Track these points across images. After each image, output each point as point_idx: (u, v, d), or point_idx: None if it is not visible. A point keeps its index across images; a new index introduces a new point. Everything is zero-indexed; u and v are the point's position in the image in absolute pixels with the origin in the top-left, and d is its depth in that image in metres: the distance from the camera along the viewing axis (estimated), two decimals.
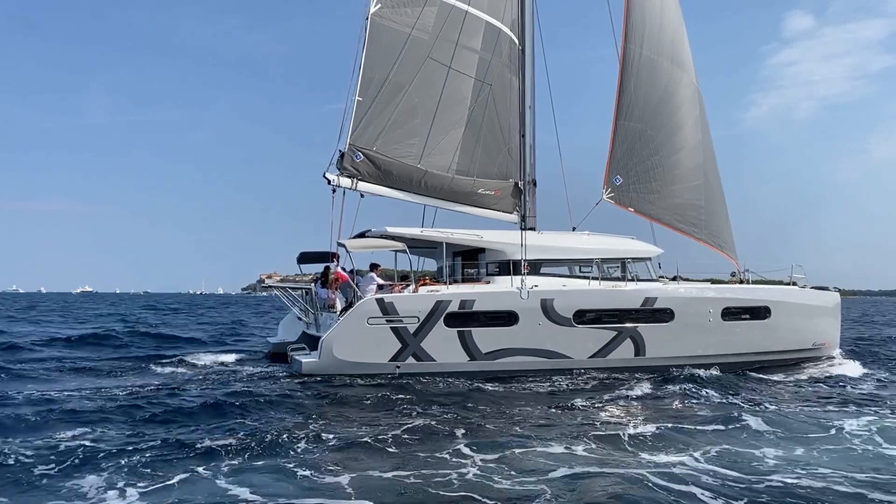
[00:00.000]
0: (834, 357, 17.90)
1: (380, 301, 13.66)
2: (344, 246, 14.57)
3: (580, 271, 16.10)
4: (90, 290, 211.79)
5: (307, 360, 13.58)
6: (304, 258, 17.10)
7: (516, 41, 17.27)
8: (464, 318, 13.99)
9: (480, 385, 13.15)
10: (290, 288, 16.47)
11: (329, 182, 14.85)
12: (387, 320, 13.61)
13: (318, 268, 17.15)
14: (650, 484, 6.86)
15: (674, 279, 17.16)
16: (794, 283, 17.40)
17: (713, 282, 17.71)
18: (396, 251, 15.35)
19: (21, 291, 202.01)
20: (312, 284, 16.41)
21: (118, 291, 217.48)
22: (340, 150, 15.04)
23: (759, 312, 16.36)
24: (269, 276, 16.04)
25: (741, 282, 17.80)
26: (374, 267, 15.46)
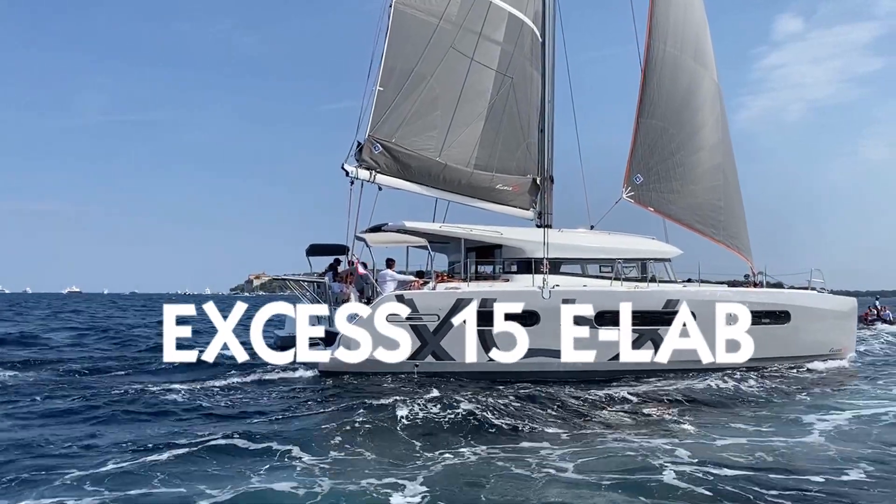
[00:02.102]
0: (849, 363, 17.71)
1: (399, 298, 13.24)
2: (364, 240, 14.13)
3: (601, 271, 15.76)
4: (77, 290, 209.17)
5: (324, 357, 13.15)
6: (314, 250, 16.62)
7: (538, 34, 16.89)
8: (484, 317, 13.59)
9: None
10: (301, 281, 16.00)
11: (347, 174, 14.40)
12: (406, 318, 13.21)
13: (328, 261, 16.71)
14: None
15: (687, 281, 16.88)
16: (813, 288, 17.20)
17: (730, 284, 17.46)
18: (418, 247, 14.93)
19: (6, 292, 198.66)
20: (325, 278, 15.95)
21: (106, 292, 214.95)
22: (359, 142, 14.60)
23: (778, 317, 16.11)
24: (258, 277, 15.56)
25: (755, 284, 17.57)
26: (390, 263, 14.97)
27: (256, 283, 16.07)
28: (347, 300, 15.32)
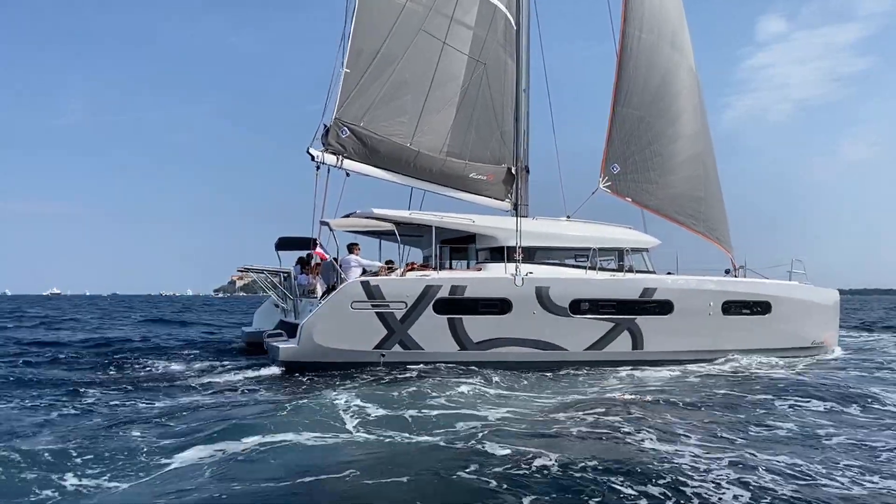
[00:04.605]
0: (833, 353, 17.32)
1: (365, 284, 12.71)
2: (328, 224, 13.58)
3: (576, 260, 15.33)
4: (58, 292, 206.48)
5: (285, 346, 12.57)
6: (283, 244, 16.06)
7: (512, 20, 16.51)
8: (454, 305, 13.11)
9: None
10: (267, 272, 15.43)
11: (312, 158, 13.86)
12: (372, 305, 12.67)
13: (297, 255, 16.17)
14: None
15: (668, 274, 16.46)
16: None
17: None
18: (384, 232, 14.40)
19: None
20: (292, 269, 15.39)
21: (87, 293, 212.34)
22: (325, 125, 14.09)
23: (759, 307, 15.70)
24: (240, 277, 15.06)
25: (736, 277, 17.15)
26: (352, 247, 14.29)
27: (239, 283, 15.46)
28: (314, 291, 14.84)
